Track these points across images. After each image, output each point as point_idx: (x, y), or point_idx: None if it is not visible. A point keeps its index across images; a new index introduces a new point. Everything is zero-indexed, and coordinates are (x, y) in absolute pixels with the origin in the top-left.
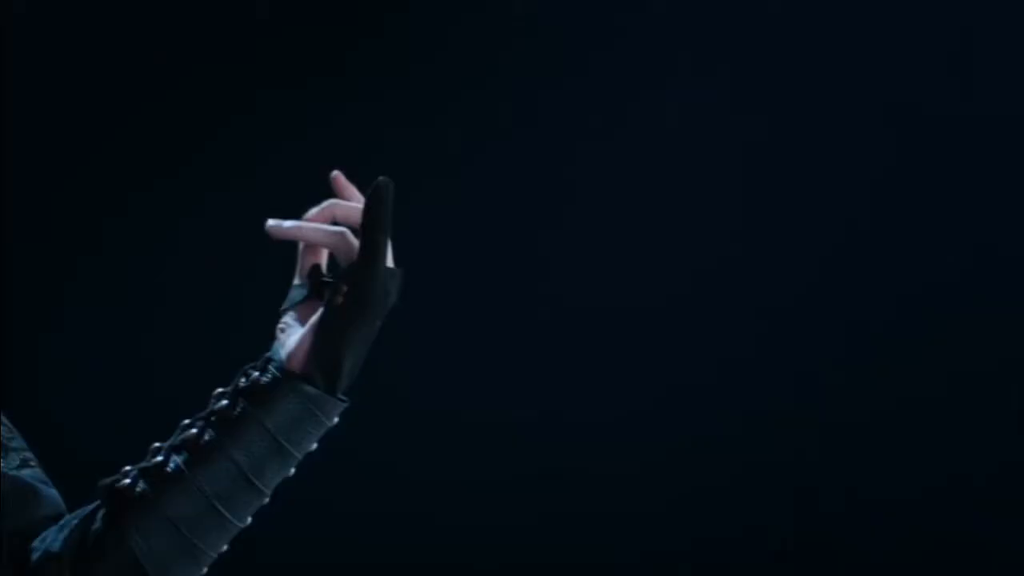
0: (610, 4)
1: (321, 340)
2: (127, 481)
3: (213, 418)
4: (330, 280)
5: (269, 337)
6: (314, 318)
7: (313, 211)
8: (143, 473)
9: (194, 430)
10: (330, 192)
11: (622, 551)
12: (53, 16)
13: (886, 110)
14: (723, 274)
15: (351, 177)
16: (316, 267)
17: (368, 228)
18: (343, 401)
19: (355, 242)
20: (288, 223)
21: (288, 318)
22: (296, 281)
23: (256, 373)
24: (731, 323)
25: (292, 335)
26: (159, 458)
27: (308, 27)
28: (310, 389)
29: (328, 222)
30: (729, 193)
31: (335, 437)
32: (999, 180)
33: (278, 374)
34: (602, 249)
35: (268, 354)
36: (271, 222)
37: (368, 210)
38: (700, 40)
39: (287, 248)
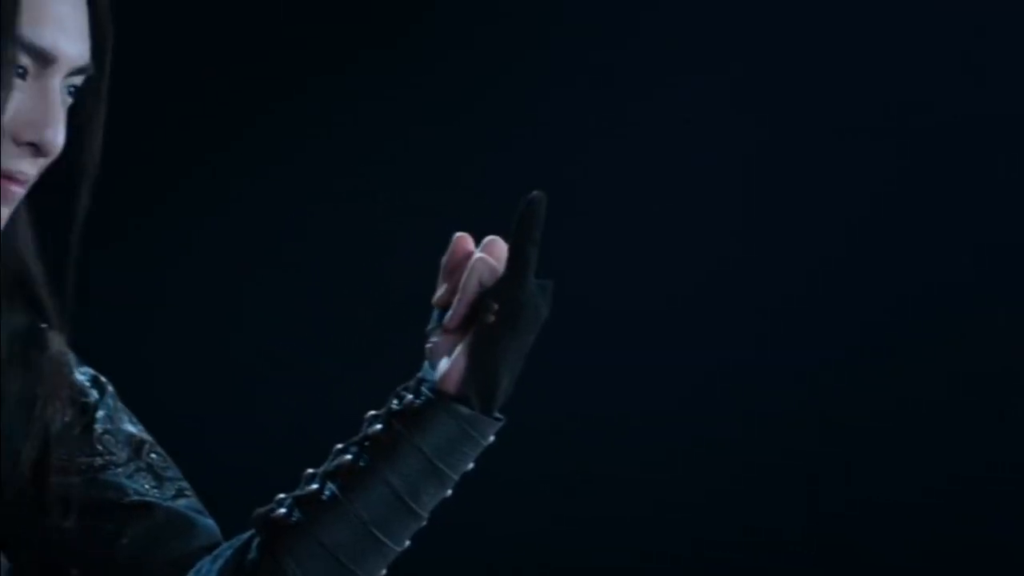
0: (613, 4)
1: (475, 360)
2: (282, 511)
3: (367, 443)
4: (480, 298)
5: (269, 338)
6: (467, 338)
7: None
8: (298, 501)
9: (348, 456)
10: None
11: (622, 553)
12: None
13: (888, 111)
14: (724, 273)
15: (363, 177)
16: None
17: (519, 241)
18: (499, 420)
19: (495, 261)
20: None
21: (436, 338)
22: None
23: (409, 396)
24: (731, 323)
25: (443, 355)
26: (314, 486)
27: (307, 29)
28: (465, 410)
29: (462, 254)
30: (732, 192)
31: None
32: (1003, 180)
33: (432, 396)
34: (603, 249)
35: (419, 375)
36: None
37: (521, 223)
38: (705, 39)
39: (288, 249)
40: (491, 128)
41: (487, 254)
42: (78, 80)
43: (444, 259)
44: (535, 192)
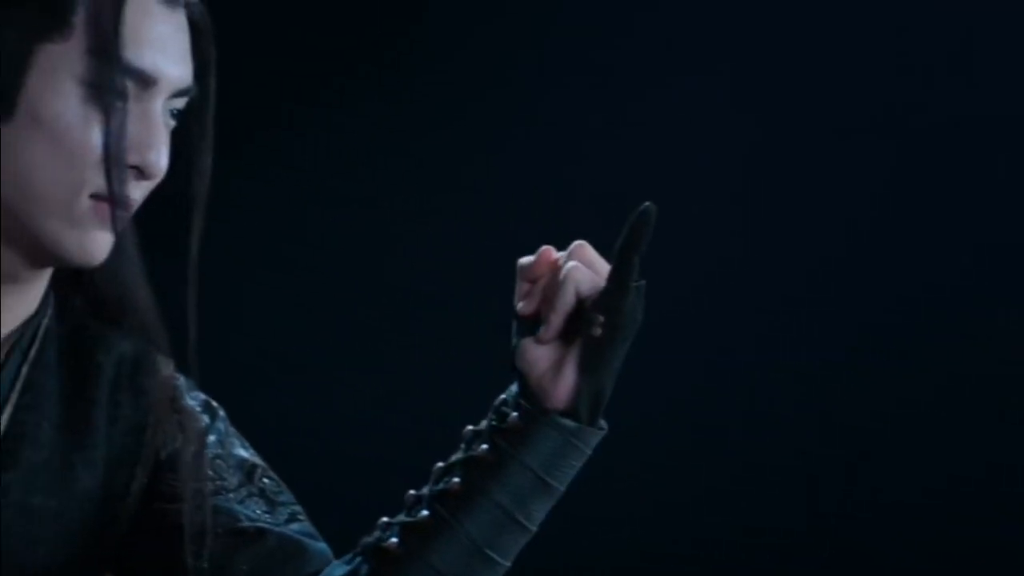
0: (612, 4)
1: (585, 373)
2: (393, 540)
3: (472, 463)
4: (585, 311)
5: (269, 339)
6: (573, 351)
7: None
8: (406, 528)
9: (455, 478)
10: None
11: (622, 553)
12: None
13: (887, 111)
14: (724, 273)
15: (362, 177)
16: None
17: (626, 250)
18: (602, 429)
19: (590, 272)
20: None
21: (528, 349)
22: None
23: (511, 412)
24: (731, 323)
25: (539, 367)
26: (424, 513)
27: (307, 30)
28: (571, 423)
29: (547, 265)
30: (732, 192)
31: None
32: (1001, 180)
33: (536, 411)
34: (602, 248)
35: (515, 389)
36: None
37: (631, 232)
38: (704, 39)
39: (287, 251)
40: (490, 129)
41: (578, 260)
42: (180, 103)
43: (525, 268)
44: (647, 203)
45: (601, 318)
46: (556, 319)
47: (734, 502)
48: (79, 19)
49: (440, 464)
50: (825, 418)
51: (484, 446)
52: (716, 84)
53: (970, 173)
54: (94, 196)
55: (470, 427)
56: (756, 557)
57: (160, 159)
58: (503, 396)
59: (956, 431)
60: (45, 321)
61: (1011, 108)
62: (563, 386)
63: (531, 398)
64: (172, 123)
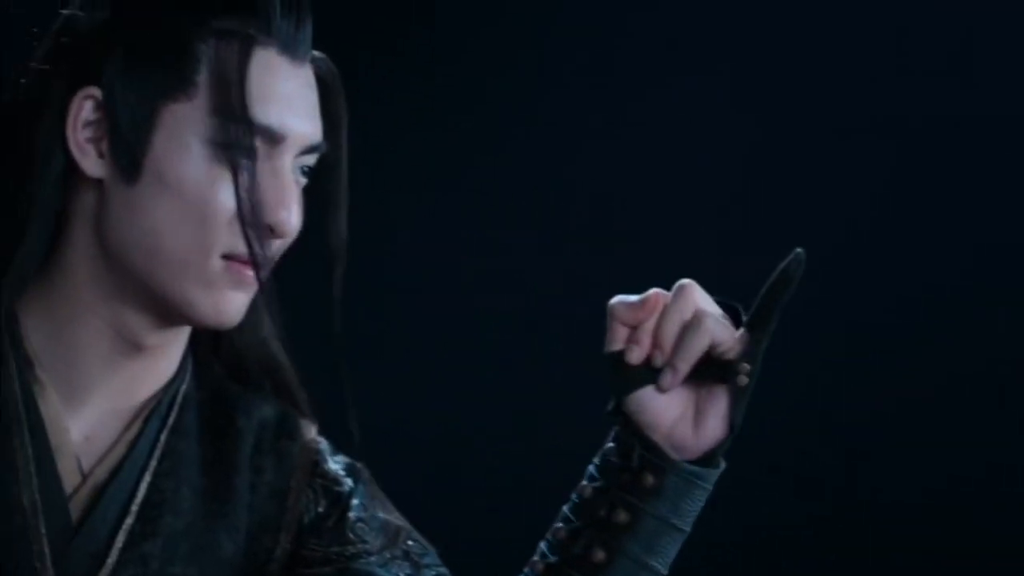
0: (611, 4)
1: (730, 421)
2: None
3: (603, 525)
4: (728, 360)
5: None
6: (715, 399)
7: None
8: None
9: (588, 547)
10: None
11: None
12: None
13: (887, 111)
14: (724, 273)
15: (364, 177)
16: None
17: (773, 298)
18: (722, 467)
19: (724, 322)
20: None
21: (651, 404)
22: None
23: (631, 464)
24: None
25: (669, 420)
26: None
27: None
28: (703, 470)
29: (654, 310)
30: (731, 192)
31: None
32: (1001, 180)
33: (668, 465)
34: (603, 249)
35: (627, 438)
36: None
37: (779, 280)
38: (702, 39)
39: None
40: (490, 129)
41: (691, 302)
42: (311, 159)
43: (624, 312)
44: (798, 250)
45: (747, 366)
46: (685, 367)
47: (734, 502)
48: (202, 78)
49: (560, 526)
50: (825, 418)
51: (618, 510)
52: (716, 84)
53: (970, 173)
54: (226, 256)
55: (586, 484)
56: (756, 556)
57: (292, 217)
58: (608, 448)
59: (956, 431)
60: (183, 386)
61: (1011, 108)
62: (704, 436)
63: (656, 450)
64: (303, 180)
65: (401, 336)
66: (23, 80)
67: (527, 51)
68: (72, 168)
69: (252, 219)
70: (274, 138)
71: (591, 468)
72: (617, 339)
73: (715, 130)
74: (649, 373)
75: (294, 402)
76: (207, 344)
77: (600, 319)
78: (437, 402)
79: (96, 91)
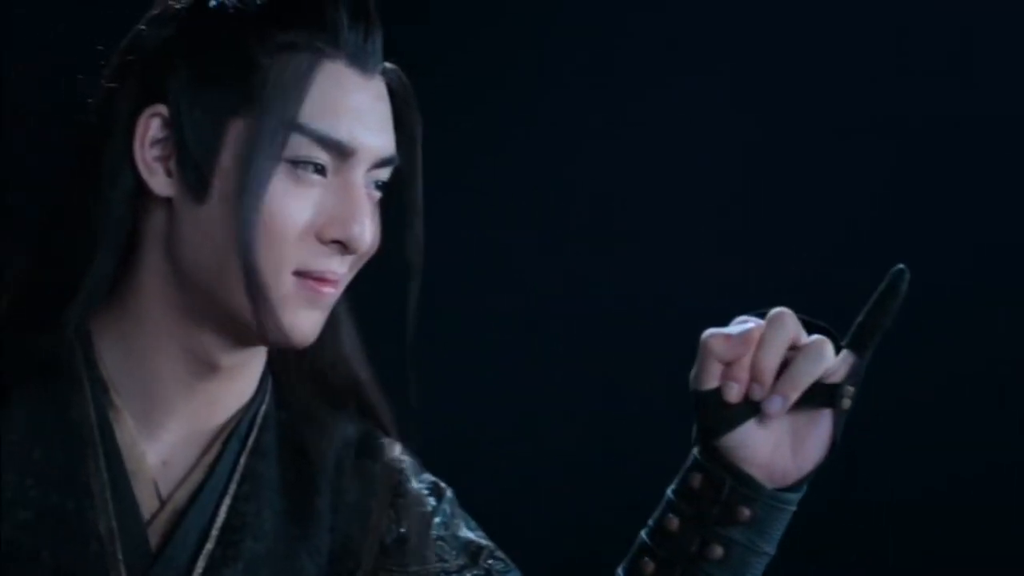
0: (611, 4)
1: (827, 444)
2: None
3: (692, 560)
4: (834, 384)
5: None
6: (818, 425)
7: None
8: None
9: None
10: None
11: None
12: None
13: (887, 111)
14: (723, 273)
15: None
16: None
17: (877, 317)
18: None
19: (829, 348)
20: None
21: (752, 438)
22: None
23: (722, 497)
24: (728, 322)
25: (766, 451)
26: None
27: None
28: (792, 496)
29: (751, 343)
30: (731, 192)
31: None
32: (1001, 180)
33: (764, 496)
34: (603, 249)
35: (715, 471)
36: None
37: (883, 298)
38: (702, 39)
39: None
40: (490, 129)
41: (785, 331)
42: (384, 173)
43: (721, 349)
44: (900, 267)
45: (852, 389)
46: (795, 396)
47: None
48: (268, 93)
49: (647, 561)
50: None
51: (713, 545)
52: (716, 84)
53: (970, 173)
54: (298, 273)
55: (674, 519)
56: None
57: (364, 232)
58: (690, 479)
59: (956, 431)
60: (263, 407)
61: (1011, 108)
62: (805, 461)
63: (751, 483)
64: (377, 194)
65: (399, 336)
66: (91, 100)
67: (527, 51)
68: (141, 188)
69: (320, 234)
70: (344, 152)
71: (671, 499)
72: (712, 376)
73: (715, 130)
74: (747, 408)
75: (377, 420)
76: (287, 363)
77: (600, 318)
78: (436, 402)
79: (163, 109)
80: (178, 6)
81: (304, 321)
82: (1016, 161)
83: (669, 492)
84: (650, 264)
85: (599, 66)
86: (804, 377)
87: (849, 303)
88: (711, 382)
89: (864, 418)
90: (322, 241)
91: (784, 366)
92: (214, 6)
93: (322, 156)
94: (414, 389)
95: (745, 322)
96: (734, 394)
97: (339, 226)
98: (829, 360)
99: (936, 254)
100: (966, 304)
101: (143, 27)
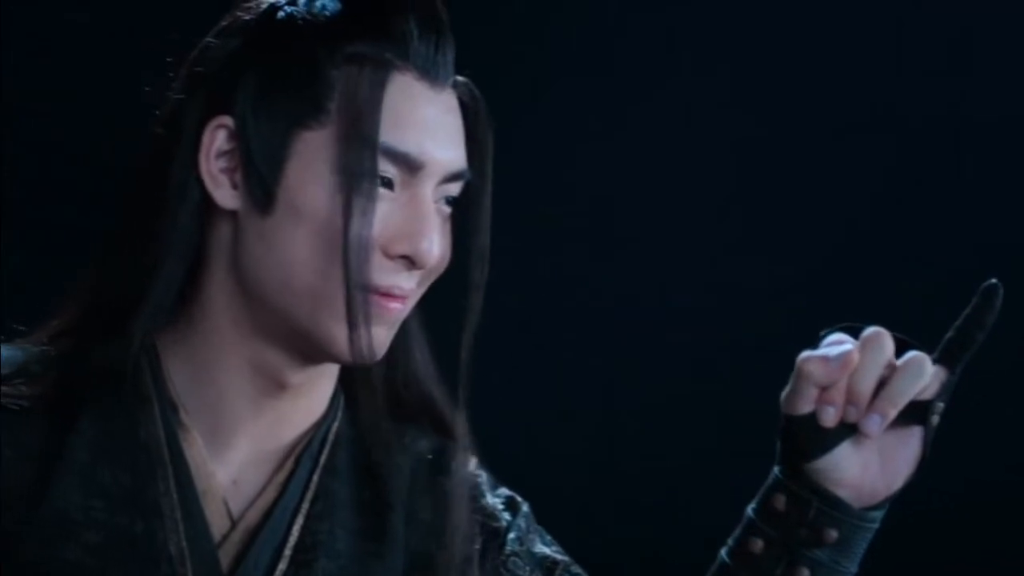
0: (612, 4)
1: (916, 461)
2: None
3: None
4: (926, 402)
5: None
6: (907, 442)
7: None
8: None
9: None
10: None
11: (635, 545)
12: None
13: (887, 110)
14: (722, 273)
15: None
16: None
17: (970, 330)
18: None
19: (928, 366)
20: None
21: (847, 460)
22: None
23: (807, 518)
24: (730, 322)
25: (857, 471)
26: None
27: None
28: (878, 514)
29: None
30: (730, 193)
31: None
32: (1002, 180)
33: (854, 519)
34: (602, 250)
35: (800, 493)
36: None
37: (977, 311)
38: (701, 39)
39: None
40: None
41: (882, 354)
42: (455, 188)
43: (819, 373)
44: (992, 281)
45: (942, 405)
46: (894, 414)
47: (735, 503)
48: (335, 105)
49: None
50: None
51: (800, 568)
52: (716, 85)
53: (970, 173)
54: (363, 287)
55: (757, 542)
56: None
57: (432, 247)
58: (771, 499)
59: (956, 431)
60: (335, 424)
61: (1011, 108)
62: (894, 479)
63: (839, 504)
64: (447, 209)
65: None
66: (159, 112)
67: (526, 51)
68: (207, 201)
69: (386, 249)
70: (412, 166)
71: (753, 519)
72: (807, 401)
73: (715, 130)
74: (842, 431)
75: (452, 435)
76: (358, 380)
77: (599, 320)
78: None
79: (229, 120)
80: (247, 18)
81: (371, 337)
82: (1016, 161)
83: (750, 512)
84: (650, 265)
85: (599, 66)
86: (902, 396)
87: (849, 303)
88: (806, 406)
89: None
90: (389, 256)
91: (879, 384)
92: (282, 17)
93: (390, 170)
94: (462, 409)
95: (840, 342)
96: (830, 419)
97: (406, 241)
98: (927, 378)
99: (936, 254)
100: (966, 304)
101: (212, 39)
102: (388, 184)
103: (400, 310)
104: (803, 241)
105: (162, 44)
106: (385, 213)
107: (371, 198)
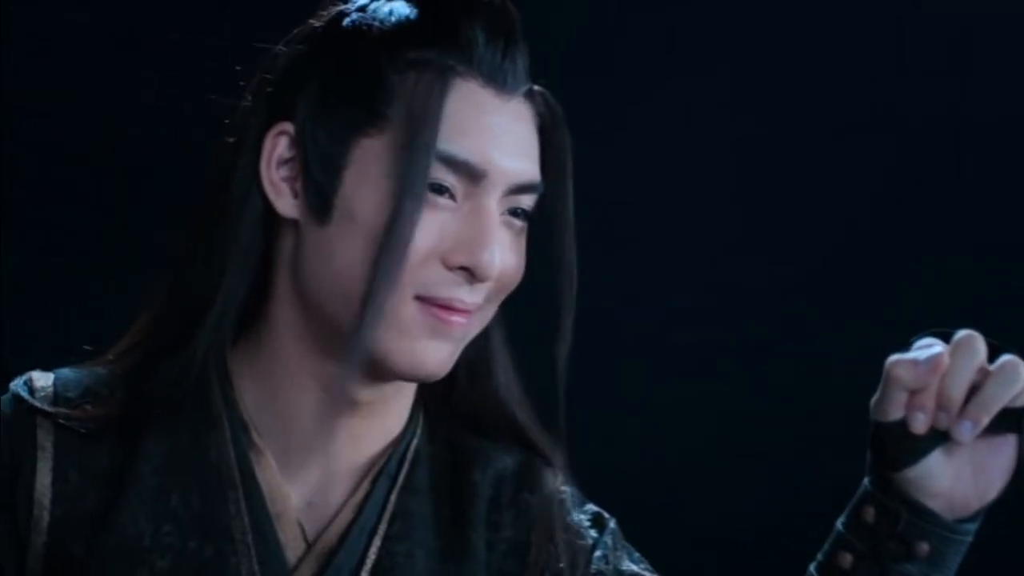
0: (612, 4)
1: (1009, 470)
2: None
3: None
4: (1021, 408)
5: None
6: (979, 453)
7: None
8: None
9: None
10: None
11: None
12: None
13: (887, 110)
14: (723, 275)
15: None
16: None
17: None
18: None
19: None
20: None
21: (940, 470)
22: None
23: (897, 531)
24: (730, 322)
25: (949, 481)
26: None
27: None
28: (971, 526)
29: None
30: (729, 193)
31: None
32: (1002, 180)
33: (947, 531)
34: (602, 250)
35: (890, 505)
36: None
37: None
38: (701, 40)
39: None
40: None
41: (974, 357)
42: (526, 200)
43: (908, 377)
44: None
45: None
46: (987, 420)
47: (736, 502)
48: (395, 111)
49: None
50: (824, 418)
51: None
52: (716, 85)
53: (970, 173)
54: (420, 298)
55: (847, 556)
56: (761, 556)
57: (493, 259)
58: (861, 511)
59: None
60: (414, 441)
61: (1011, 108)
62: (987, 490)
63: (931, 517)
64: (518, 223)
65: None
66: (228, 120)
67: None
68: (270, 210)
69: (445, 260)
70: (474, 174)
71: (842, 532)
72: (896, 406)
73: (715, 130)
74: (933, 438)
75: (537, 451)
76: (439, 397)
77: (599, 320)
78: None
79: (290, 127)
80: (316, 24)
81: (430, 353)
82: (1016, 161)
83: (839, 525)
84: (650, 266)
85: (599, 66)
86: (995, 401)
87: (849, 303)
88: (895, 412)
89: (864, 418)
90: (448, 267)
91: (972, 389)
92: (348, 24)
93: (449, 178)
94: (561, 422)
95: (930, 346)
96: (921, 424)
97: (465, 252)
98: (1022, 383)
99: (936, 254)
100: (966, 304)
101: (281, 47)
102: (448, 193)
103: (463, 325)
104: (803, 241)
105: (162, 44)
106: (445, 223)
107: (419, 205)
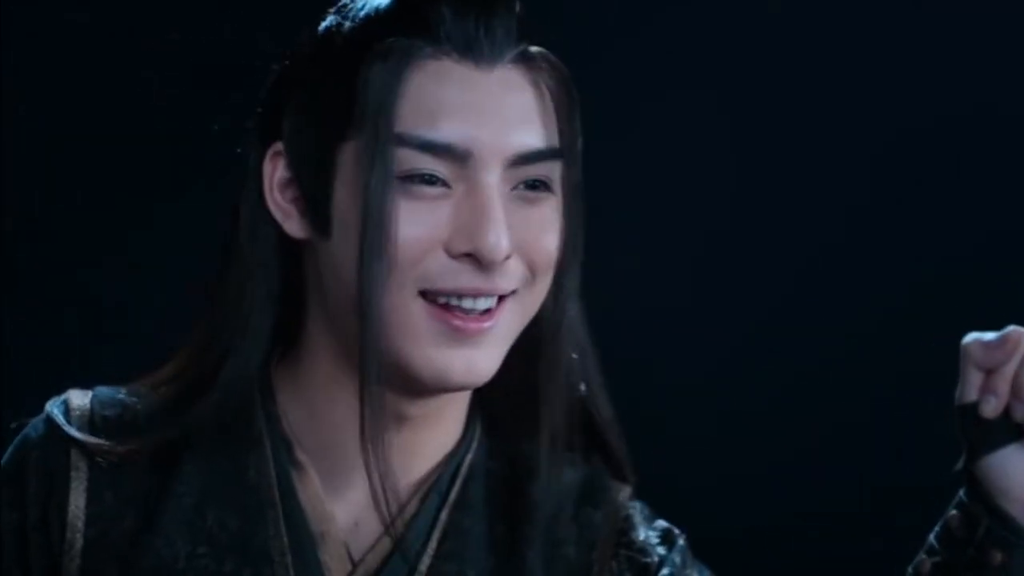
0: (609, 12)
1: None
2: None
3: None
4: None
5: None
6: None
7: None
8: None
9: None
10: None
11: None
12: None
13: (887, 110)
14: (720, 277)
15: None
16: None
17: None
18: None
19: None
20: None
21: (1014, 463)
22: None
23: (975, 537)
24: (730, 322)
25: (1019, 482)
26: None
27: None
28: None
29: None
30: (729, 193)
31: None
32: (1002, 180)
33: (1016, 540)
34: (601, 251)
35: (972, 507)
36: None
37: None
38: (700, 41)
39: None
40: None
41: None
42: (537, 170)
43: (981, 355)
44: None
45: None
46: None
47: (736, 501)
48: (365, 108)
49: None
50: (825, 418)
51: None
52: (716, 84)
53: (970, 173)
54: (425, 294)
55: (927, 561)
56: (762, 556)
57: (498, 241)
58: (952, 516)
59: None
60: (469, 456)
61: (1011, 108)
62: None
63: (1008, 522)
64: (534, 194)
65: None
66: (239, 149)
67: None
68: (284, 234)
69: (448, 249)
70: (457, 156)
71: (931, 539)
72: (971, 387)
73: (715, 131)
74: (1008, 430)
75: (609, 462)
76: (499, 406)
77: (598, 320)
78: None
79: (282, 146)
80: (301, 38)
81: (454, 360)
82: (1016, 161)
83: (932, 535)
84: (650, 267)
85: (597, 72)
86: None
87: (848, 303)
88: (971, 394)
89: (864, 418)
90: (453, 256)
91: None
92: (323, 28)
93: (434, 165)
94: (614, 430)
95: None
96: (991, 408)
97: (465, 238)
98: None
99: (936, 254)
100: (966, 304)
101: (274, 66)
102: (440, 181)
103: (485, 329)
104: (803, 241)
105: (162, 44)
106: (440, 211)
107: (390, 196)
